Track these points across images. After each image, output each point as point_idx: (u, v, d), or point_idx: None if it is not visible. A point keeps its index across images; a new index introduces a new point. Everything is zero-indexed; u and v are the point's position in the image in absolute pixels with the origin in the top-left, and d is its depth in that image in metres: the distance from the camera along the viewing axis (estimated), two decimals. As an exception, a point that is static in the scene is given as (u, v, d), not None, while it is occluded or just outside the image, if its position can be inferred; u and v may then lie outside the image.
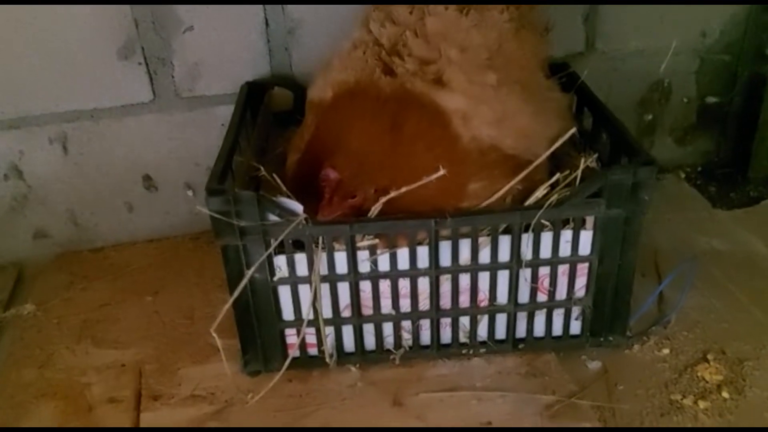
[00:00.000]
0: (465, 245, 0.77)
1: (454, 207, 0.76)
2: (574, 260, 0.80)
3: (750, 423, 0.77)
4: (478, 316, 0.83)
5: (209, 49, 1.02)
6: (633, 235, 0.79)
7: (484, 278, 0.80)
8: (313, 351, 0.84)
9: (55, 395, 0.85)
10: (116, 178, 1.08)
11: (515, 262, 0.79)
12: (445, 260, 0.78)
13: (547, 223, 0.77)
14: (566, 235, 0.78)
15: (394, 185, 0.74)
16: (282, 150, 0.92)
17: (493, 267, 0.79)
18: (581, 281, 0.81)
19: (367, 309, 0.81)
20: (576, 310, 0.84)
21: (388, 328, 0.83)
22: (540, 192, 0.79)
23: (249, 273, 0.75)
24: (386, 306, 0.81)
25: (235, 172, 0.83)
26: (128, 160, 1.07)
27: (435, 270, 0.78)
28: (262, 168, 0.82)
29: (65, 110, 1.02)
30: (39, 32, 0.96)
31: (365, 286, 0.79)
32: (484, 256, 0.78)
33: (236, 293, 0.75)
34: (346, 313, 0.81)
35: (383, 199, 0.74)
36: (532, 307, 0.83)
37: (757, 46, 1.16)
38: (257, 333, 0.81)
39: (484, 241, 0.77)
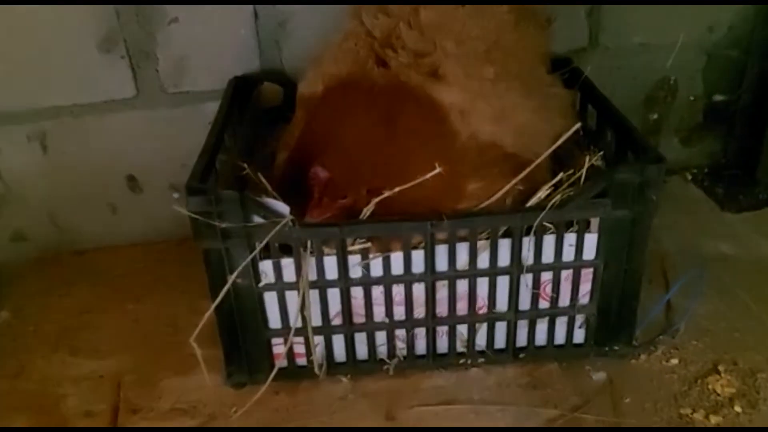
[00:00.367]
0: (463, 249, 0.76)
1: (452, 208, 0.75)
2: (578, 265, 0.78)
3: (765, 439, 0.75)
4: (477, 324, 0.81)
5: (195, 42, 1.00)
6: (640, 238, 0.77)
7: (482, 284, 0.78)
8: (301, 361, 0.82)
9: (28, 408, 0.82)
10: (99, 178, 1.07)
11: (516, 267, 0.77)
12: (442, 265, 0.76)
13: (549, 225, 0.76)
14: (570, 238, 0.77)
15: (387, 185, 0.72)
16: (271, 149, 0.91)
17: (493, 272, 0.78)
18: (585, 287, 0.80)
19: (359, 317, 0.79)
20: (580, 318, 0.82)
21: (381, 337, 0.81)
22: (542, 192, 0.78)
23: (231, 278, 0.73)
24: (379, 313, 0.79)
25: (220, 172, 0.81)
26: (111, 159, 1.06)
27: (431, 275, 0.77)
28: (246, 166, 0.80)
29: (43, 106, 1.00)
30: (14, 23, 0.94)
31: (357, 293, 0.78)
32: (483, 261, 0.77)
33: (218, 300, 0.73)
34: (336, 321, 0.79)
35: (376, 200, 0.73)
36: (534, 314, 0.81)
37: (767, 42, 1.15)
38: (242, 343, 0.80)
39: (483, 245, 0.76)
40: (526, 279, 0.78)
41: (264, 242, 0.72)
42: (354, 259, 0.75)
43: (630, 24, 1.11)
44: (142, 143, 1.05)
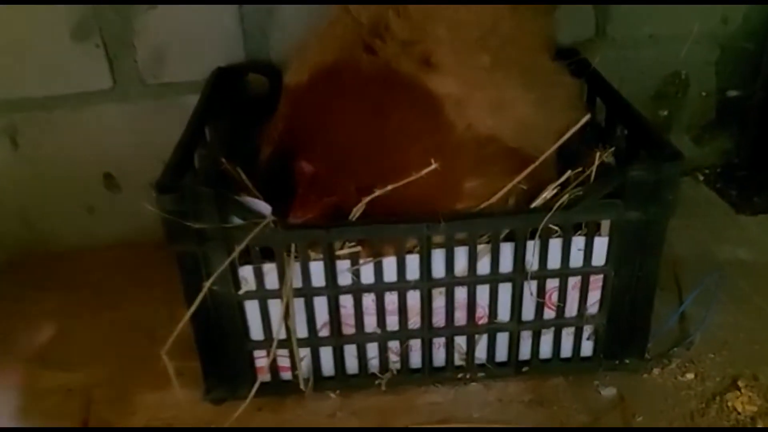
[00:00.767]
0: (461, 254, 0.73)
1: (449, 209, 0.72)
2: (586, 271, 0.75)
3: (791, 462, 0.71)
4: (476, 336, 0.79)
5: (176, 30, 0.97)
6: (655, 242, 0.74)
7: (483, 292, 0.76)
8: (286, 375, 0.79)
9: (-12, 424, 0.79)
10: (74, 176, 1.04)
11: (519, 274, 0.75)
12: (439, 271, 0.74)
13: (555, 228, 0.73)
14: (578, 242, 0.74)
15: (378, 182, 0.68)
16: (256, 143, 0.87)
17: (494, 279, 0.75)
18: (594, 296, 0.77)
19: (349, 327, 0.76)
20: (588, 329, 0.80)
21: (372, 349, 0.79)
22: (548, 192, 0.75)
23: (207, 284, 0.69)
24: (370, 324, 0.76)
25: (199, 168, 0.77)
26: (87, 155, 1.02)
27: (427, 282, 0.74)
28: (224, 161, 0.77)
29: (13, 98, 0.97)
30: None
31: (346, 301, 0.75)
32: (484, 267, 0.74)
33: (193, 308, 0.69)
34: (323, 332, 0.76)
35: (366, 199, 0.69)
36: (538, 325, 0.79)
37: (785, 34, 1.13)
38: (221, 355, 0.76)
39: (484, 249, 0.73)
40: (530, 286, 0.75)
41: (243, 245, 0.68)
42: (342, 265, 0.72)
43: (639, 14, 1.08)
44: (119, 138, 1.02)
